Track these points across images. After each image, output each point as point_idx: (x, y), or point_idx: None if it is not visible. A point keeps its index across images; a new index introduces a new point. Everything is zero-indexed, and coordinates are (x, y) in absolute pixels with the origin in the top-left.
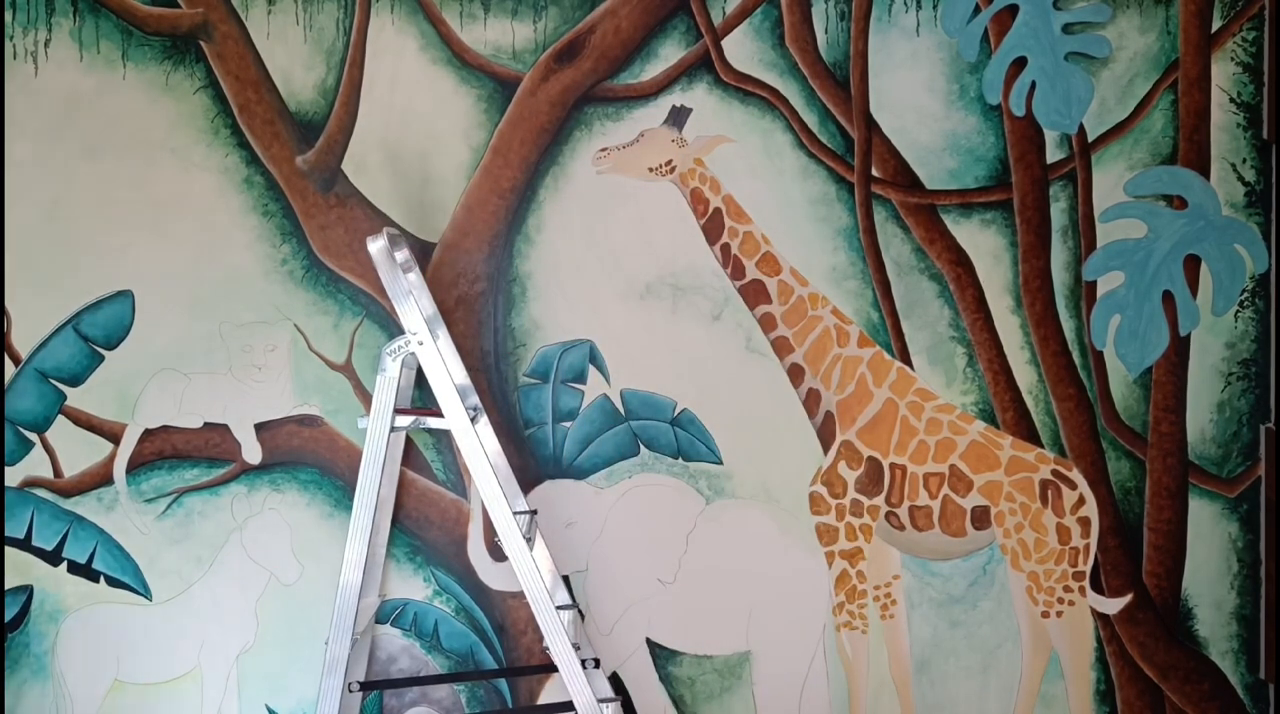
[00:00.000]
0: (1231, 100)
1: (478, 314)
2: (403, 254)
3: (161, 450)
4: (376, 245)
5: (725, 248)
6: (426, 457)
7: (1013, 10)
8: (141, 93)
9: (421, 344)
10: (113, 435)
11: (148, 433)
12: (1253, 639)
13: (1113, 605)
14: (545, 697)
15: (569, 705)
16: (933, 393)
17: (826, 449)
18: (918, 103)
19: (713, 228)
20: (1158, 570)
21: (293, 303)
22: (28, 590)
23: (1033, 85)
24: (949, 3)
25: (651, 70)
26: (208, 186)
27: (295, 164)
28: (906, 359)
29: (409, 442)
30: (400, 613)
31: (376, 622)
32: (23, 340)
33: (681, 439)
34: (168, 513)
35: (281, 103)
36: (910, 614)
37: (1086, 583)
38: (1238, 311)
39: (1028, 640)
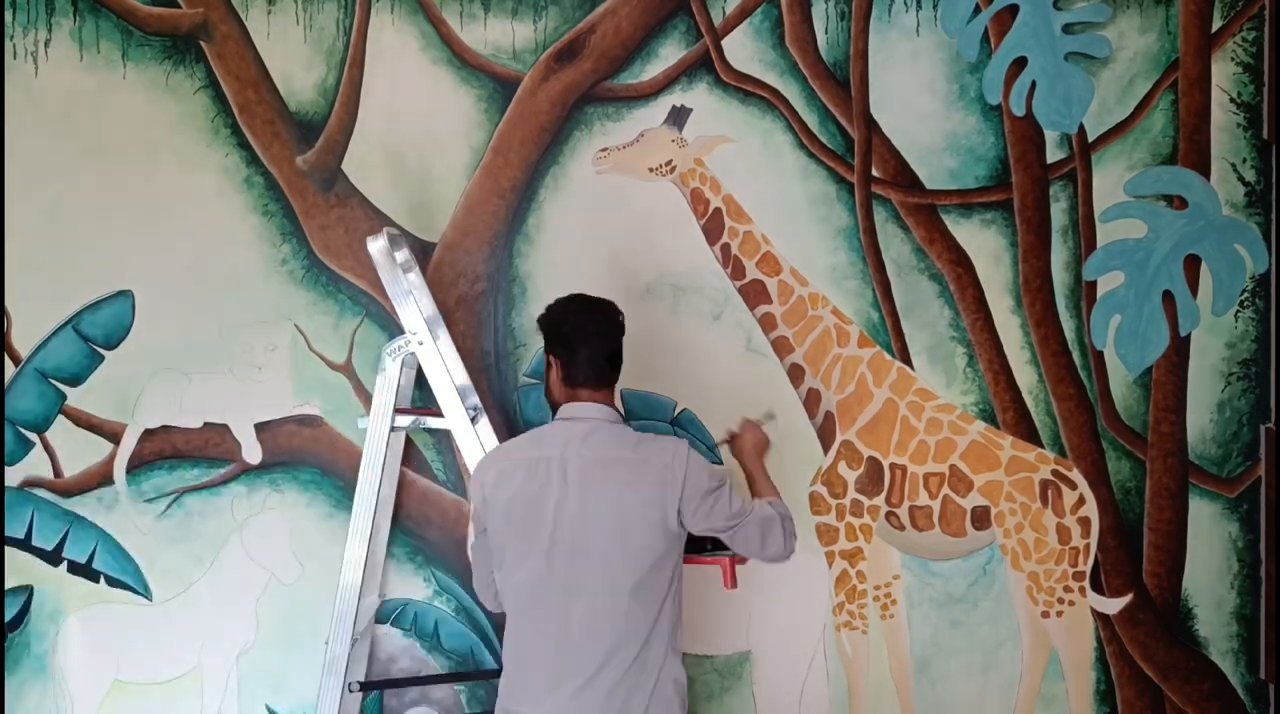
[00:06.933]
0: (1231, 100)
1: (478, 314)
2: (403, 254)
3: (161, 450)
4: (376, 245)
5: (725, 248)
6: (426, 456)
7: (1013, 10)
8: (141, 93)
9: (421, 344)
10: (113, 435)
11: (148, 433)
12: (1253, 639)
13: (1113, 605)
14: None
15: None
16: (933, 393)
17: (826, 449)
18: (918, 103)
19: (713, 228)
20: (1158, 570)
21: (293, 303)
22: (28, 590)
23: (1033, 85)
24: (949, 3)
25: (651, 70)
26: (208, 186)
27: (295, 164)
28: (906, 359)
29: (409, 442)
30: (400, 613)
31: (376, 622)
32: (23, 340)
33: None
34: (168, 513)
35: (281, 103)
36: (910, 614)
37: (1087, 583)
38: (1238, 311)
39: (1028, 640)
